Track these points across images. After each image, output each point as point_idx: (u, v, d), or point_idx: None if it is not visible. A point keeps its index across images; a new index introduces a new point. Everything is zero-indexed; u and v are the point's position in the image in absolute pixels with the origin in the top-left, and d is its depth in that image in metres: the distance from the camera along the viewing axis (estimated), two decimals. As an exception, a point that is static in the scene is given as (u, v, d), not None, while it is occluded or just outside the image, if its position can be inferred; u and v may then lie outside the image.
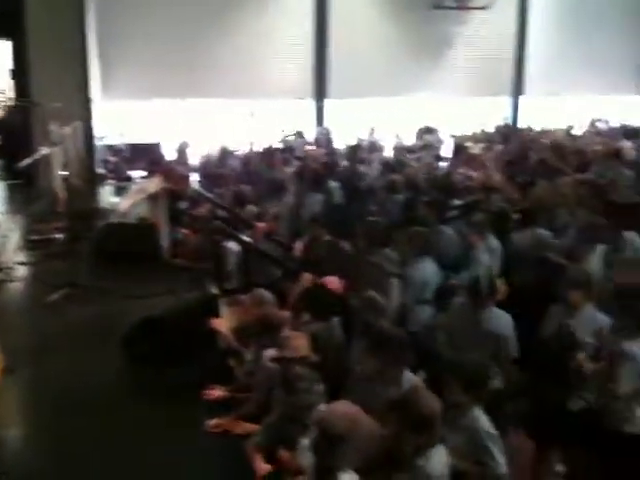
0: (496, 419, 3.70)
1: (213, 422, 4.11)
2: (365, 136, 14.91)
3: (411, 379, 3.97)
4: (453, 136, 15.51)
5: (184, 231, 7.30)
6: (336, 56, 17.18)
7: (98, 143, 12.68)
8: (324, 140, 14.53)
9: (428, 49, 18.17)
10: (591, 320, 4.73)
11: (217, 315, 5.27)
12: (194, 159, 12.52)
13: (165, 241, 6.82)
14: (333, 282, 5.20)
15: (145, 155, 12.97)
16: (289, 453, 3.62)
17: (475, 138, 15.19)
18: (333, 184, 8.34)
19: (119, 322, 5.27)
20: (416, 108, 17.83)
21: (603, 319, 4.69)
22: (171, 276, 6.40)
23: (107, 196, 10.70)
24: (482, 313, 4.86)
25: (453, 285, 5.30)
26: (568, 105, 19.06)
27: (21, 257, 7.27)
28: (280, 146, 13.05)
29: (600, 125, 17.28)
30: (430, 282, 5.72)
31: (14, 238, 7.65)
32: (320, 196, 7.77)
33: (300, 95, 17.28)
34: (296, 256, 6.44)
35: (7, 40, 11.79)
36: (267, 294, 4.81)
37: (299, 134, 14.90)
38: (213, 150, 12.35)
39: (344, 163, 11.27)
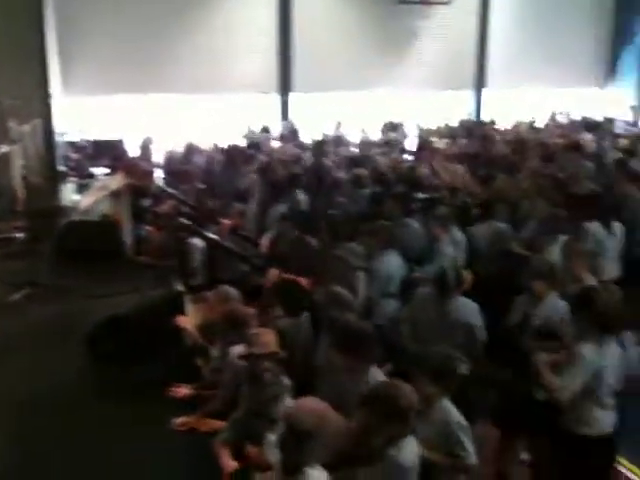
0: (463, 408, 3.74)
1: (179, 420, 4.09)
2: (331, 130, 14.90)
3: (376, 373, 3.99)
4: (418, 130, 15.61)
5: (148, 228, 7.21)
6: (300, 50, 17.15)
7: (59, 140, 12.46)
8: (290, 135, 14.48)
9: (392, 43, 18.24)
10: (554, 310, 4.80)
11: (182, 312, 5.23)
12: (158, 155, 12.37)
13: (128, 238, 6.73)
14: (300, 279, 5.20)
15: (108, 151, 12.79)
16: (257, 449, 3.62)
17: (439, 132, 15.31)
18: (299, 194, 8.24)
19: (82, 321, 5.19)
20: (381, 102, 17.91)
21: (566, 308, 4.76)
22: (135, 274, 6.31)
23: (69, 194, 10.51)
24: (449, 303, 4.91)
25: (418, 278, 5.33)
26: (530, 98, 19.33)
27: (-20, 257, 7.11)
28: (245, 142, 12.96)
29: (561, 118, 17.54)
30: (395, 275, 5.76)
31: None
32: (282, 207, 7.73)
33: (264, 89, 17.22)
34: (262, 252, 6.41)
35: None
36: (232, 290, 4.79)
37: (264, 129, 14.83)
38: (177, 146, 12.23)
39: (310, 157, 11.27)
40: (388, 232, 6.16)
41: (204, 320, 4.95)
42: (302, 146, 12.71)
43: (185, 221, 6.16)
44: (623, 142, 12.20)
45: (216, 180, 9.26)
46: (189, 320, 5.12)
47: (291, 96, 17.53)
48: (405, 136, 15.15)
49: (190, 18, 16.09)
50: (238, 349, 4.14)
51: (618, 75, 21.19)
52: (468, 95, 19.74)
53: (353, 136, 14.65)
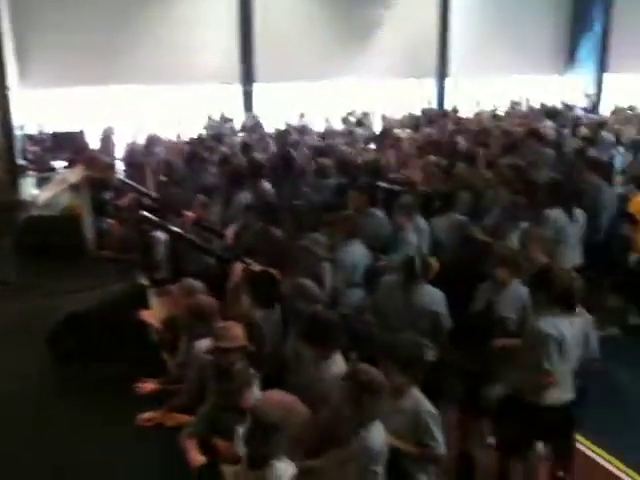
0: (428, 393, 3.77)
1: (145, 416, 4.05)
2: (294, 120, 14.85)
3: (340, 361, 4.00)
4: (381, 119, 15.65)
5: (109, 221, 7.11)
6: (262, 40, 17.07)
7: (17, 133, 12.20)
8: (253, 126, 14.39)
9: (355, 32, 18.26)
10: (517, 296, 4.87)
11: (146, 307, 5.17)
12: (119, 147, 12.20)
13: (89, 232, 6.63)
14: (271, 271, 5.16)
15: (68, 144, 12.58)
16: (226, 442, 3.60)
17: (402, 122, 15.36)
18: (264, 184, 8.19)
19: (43, 319, 5.09)
20: (344, 92, 17.91)
21: (526, 296, 4.84)
22: (98, 268, 6.24)
23: (28, 188, 10.32)
24: (415, 291, 4.93)
25: (382, 267, 5.34)
26: (491, 86, 19.52)
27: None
28: (207, 133, 12.85)
29: (521, 106, 17.74)
30: (359, 265, 5.76)
31: None
32: (244, 196, 7.69)
33: (227, 80, 17.09)
34: (227, 243, 6.36)
35: None
36: (197, 283, 4.75)
37: (226, 120, 14.72)
38: (139, 138, 12.06)
39: (274, 148, 11.23)
40: (352, 222, 6.16)
41: (169, 314, 4.90)
42: (265, 136, 12.62)
43: (147, 214, 6.07)
44: (583, 130, 12.38)
45: (178, 172, 9.14)
46: (153, 314, 5.07)
47: (254, 86, 17.43)
48: (368, 125, 15.16)
49: (151, 9, 15.90)
50: (204, 343, 4.11)
51: (577, 62, 21.52)
52: (431, 84, 19.86)
53: (317, 126, 14.63)
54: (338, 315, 4.26)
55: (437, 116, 16.13)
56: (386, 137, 12.10)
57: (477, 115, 15.93)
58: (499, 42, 19.52)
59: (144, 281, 5.80)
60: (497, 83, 19.79)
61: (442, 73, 19.79)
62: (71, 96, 15.27)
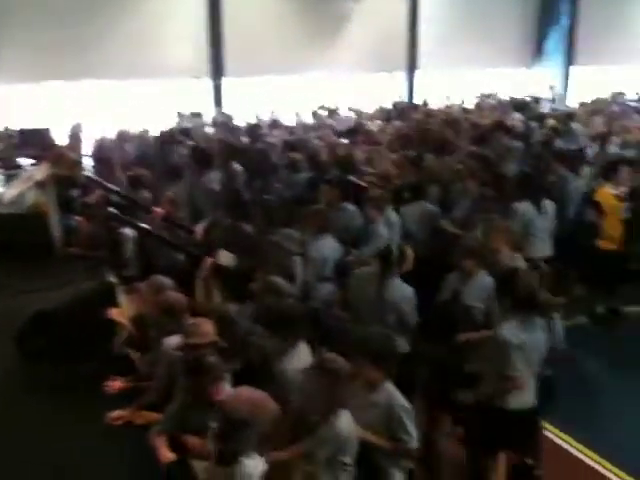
0: (402, 388, 3.79)
1: (113, 414, 4.02)
2: (265, 114, 14.80)
3: (306, 353, 4.01)
4: (352, 113, 15.65)
5: (77, 218, 7.03)
6: (231, 34, 16.96)
7: (-18, 130, 11.98)
8: (223, 121, 14.31)
9: (325, 26, 18.25)
10: (483, 286, 4.92)
11: (115, 304, 5.13)
12: (88, 143, 12.04)
13: (57, 230, 6.54)
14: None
15: (35, 141, 12.35)
16: (196, 439, 3.59)
17: (373, 115, 15.39)
18: (236, 166, 8.21)
19: (11, 318, 5.03)
20: (315, 86, 17.90)
21: (492, 286, 4.88)
22: (65, 266, 6.17)
23: (-6, 185, 10.14)
24: (387, 284, 4.95)
25: (352, 261, 5.36)
26: (461, 79, 19.64)
27: None
28: (176, 128, 12.74)
29: (489, 99, 17.87)
30: (330, 259, 5.77)
31: None
32: (214, 175, 7.68)
33: (196, 74, 16.97)
34: (197, 239, 6.33)
35: None
36: (166, 280, 4.71)
37: (196, 115, 14.62)
38: (107, 133, 11.92)
39: (245, 142, 11.18)
40: (323, 216, 6.17)
41: (138, 311, 4.86)
42: (236, 131, 12.56)
43: (115, 211, 6.01)
44: (550, 121, 12.51)
45: (147, 167, 9.06)
46: (122, 312, 5.03)
47: (224, 81, 17.34)
48: (340, 119, 15.16)
49: (120, 3, 15.71)
50: (173, 339, 4.09)
51: (544, 55, 21.74)
52: (401, 77, 19.92)
53: (288, 120, 14.60)
54: (302, 306, 4.27)
55: (408, 109, 16.19)
56: (358, 131, 12.12)
57: (447, 108, 16.03)
58: (468, 35, 19.63)
59: (113, 279, 5.75)
60: (466, 76, 19.91)
61: (412, 66, 19.86)
62: (39, 92, 15.04)
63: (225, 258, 5.30)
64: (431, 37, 19.59)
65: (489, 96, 18.09)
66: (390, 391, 3.69)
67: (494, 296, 4.65)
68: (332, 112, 15.39)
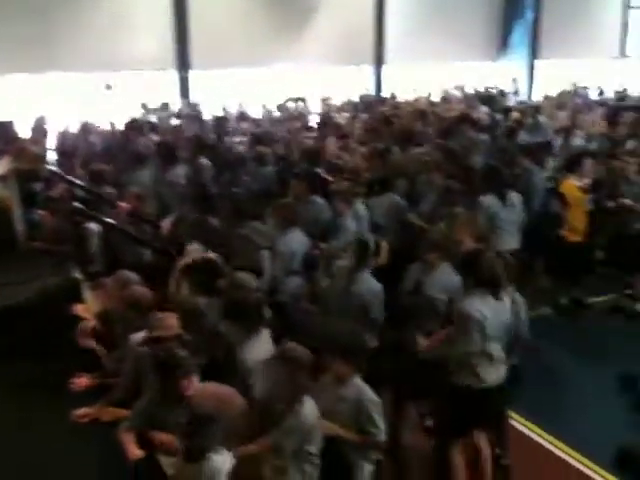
0: (371, 381, 3.81)
1: (80, 411, 3.97)
2: (233, 107, 14.70)
3: (268, 343, 4.01)
4: (320, 106, 15.64)
5: (41, 213, 6.90)
6: (198, 26, 16.81)
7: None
8: (189, 112, 14.18)
9: (292, 19, 18.17)
10: (445, 278, 4.97)
11: (80, 300, 5.06)
12: (51, 136, 11.83)
13: (20, 225, 6.42)
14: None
15: (-3, 134, 12.08)
16: (164, 434, 3.56)
17: (341, 108, 15.40)
18: (203, 161, 8.14)
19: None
20: (282, 78, 17.81)
21: (455, 278, 4.93)
22: (29, 261, 6.06)
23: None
24: (357, 278, 4.96)
25: (317, 255, 5.36)
26: (429, 72, 19.72)
27: None
28: (142, 120, 12.58)
29: (456, 92, 17.99)
30: (298, 252, 5.75)
31: None
32: (180, 170, 7.61)
33: (161, 66, 16.79)
34: (163, 234, 6.27)
35: None
36: (132, 275, 4.67)
37: (162, 107, 14.46)
38: (71, 126, 11.73)
39: (211, 135, 11.10)
40: (291, 210, 6.15)
41: (103, 307, 4.80)
42: (203, 124, 12.45)
43: (80, 205, 5.92)
44: (514, 114, 12.64)
45: (112, 161, 8.95)
46: (88, 308, 4.97)
47: (190, 73, 17.18)
48: (308, 111, 15.14)
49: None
50: (140, 335, 4.05)
51: (509, 49, 21.96)
52: (369, 70, 19.95)
53: (255, 113, 14.53)
54: (260, 295, 4.26)
55: (375, 102, 16.23)
56: (326, 124, 12.11)
57: (414, 101, 16.10)
58: (434, 29, 19.73)
59: (78, 274, 5.67)
60: (433, 69, 20.01)
61: (379, 60, 19.89)
62: (2, 85, 14.73)
63: (195, 253, 5.24)
64: (398, 31, 19.64)
65: (456, 89, 18.22)
66: (359, 385, 3.71)
67: (458, 288, 4.73)
68: (300, 105, 15.36)
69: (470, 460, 4.59)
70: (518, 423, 5.43)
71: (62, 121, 12.15)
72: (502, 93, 17.66)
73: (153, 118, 13.09)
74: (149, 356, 3.87)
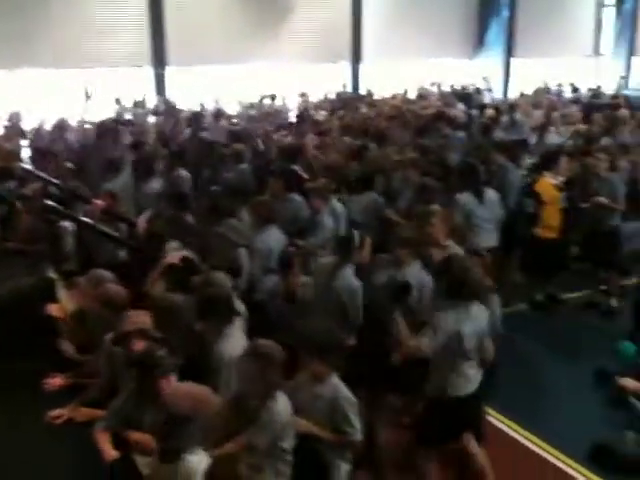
0: (348, 379, 3.80)
1: (54, 412, 3.93)
2: (209, 104, 14.64)
3: (242, 339, 4.01)
4: (298, 103, 15.63)
5: (14, 211, 6.79)
6: (174, 23, 16.71)
7: None
8: (166, 110, 14.09)
9: (269, 16, 18.13)
10: (416, 276, 4.99)
11: (54, 300, 5.00)
12: (27, 133, 11.68)
13: (-7, 224, 6.34)
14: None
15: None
16: (140, 434, 3.53)
17: (317, 105, 15.41)
18: (181, 172, 8.03)
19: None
20: (260, 75, 17.77)
21: (427, 277, 4.99)
22: (3, 261, 5.97)
23: None
24: (337, 274, 4.96)
25: (292, 252, 5.33)
26: (406, 70, 19.80)
27: None
28: (117, 118, 12.49)
29: (433, 89, 18.09)
30: (274, 250, 5.73)
31: None
32: (156, 183, 7.53)
33: (138, 62, 16.67)
34: (138, 232, 6.22)
35: None
36: (106, 273, 4.63)
37: (138, 103, 14.35)
38: (46, 123, 11.59)
39: (187, 132, 11.04)
40: (268, 207, 6.14)
41: (78, 306, 4.75)
42: (179, 121, 12.38)
43: (53, 203, 5.85)
44: (489, 112, 12.73)
45: (87, 158, 8.86)
46: (62, 307, 4.91)
47: (167, 70, 17.07)
48: (285, 109, 15.12)
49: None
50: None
51: (485, 47, 22.11)
52: (346, 67, 19.98)
53: (232, 110, 14.48)
54: (228, 289, 4.25)
55: (352, 99, 16.26)
56: (304, 121, 12.10)
57: (391, 99, 16.15)
58: (411, 26, 19.83)
59: (52, 274, 5.60)
60: (410, 67, 20.09)
61: (356, 57, 19.92)
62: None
63: (174, 251, 5.21)
64: (375, 28, 19.69)
65: (433, 86, 18.32)
66: (335, 384, 3.70)
67: (428, 285, 4.75)
68: (277, 102, 15.34)
69: (457, 466, 4.63)
70: (494, 419, 5.46)
71: (37, 118, 12.01)
72: (478, 91, 17.79)
73: (128, 115, 12.98)
74: (122, 355, 3.85)
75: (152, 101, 15.45)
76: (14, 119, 12.00)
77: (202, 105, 14.33)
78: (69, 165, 7.54)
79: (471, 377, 4.28)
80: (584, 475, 4.89)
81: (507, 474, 4.78)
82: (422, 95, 16.86)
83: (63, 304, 4.99)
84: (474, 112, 13.13)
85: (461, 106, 14.32)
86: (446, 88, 18.20)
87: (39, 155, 9.67)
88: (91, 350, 4.38)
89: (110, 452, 3.54)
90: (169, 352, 3.67)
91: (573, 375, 6.24)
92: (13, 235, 6.54)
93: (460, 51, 21.89)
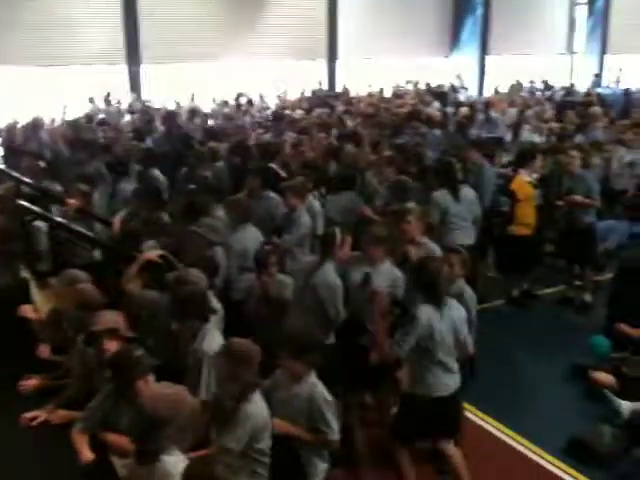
0: (326, 379, 3.80)
1: (29, 414, 3.88)
2: (185, 102, 14.56)
3: (218, 338, 4.00)
4: (276, 101, 15.61)
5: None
6: (148, 20, 16.60)
7: None
8: (141, 108, 13.99)
9: (246, 14, 18.09)
10: (388, 274, 5.01)
11: (28, 301, 4.93)
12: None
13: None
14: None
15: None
16: (117, 436, 3.50)
17: (294, 103, 15.40)
18: (154, 172, 7.97)
19: None
20: (236, 73, 17.72)
21: (399, 274, 5.02)
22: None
23: None
24: (317, 272, 4.95)
25: (268, 250, 5.30)
26: (383, 68, 19.87)
27: None
28: (90, 115, 12.37)
29: (408, 87, 18.16)
30: (250, 249, 5.70)
31: None
32: (130, 184, 7.47)
33: (113, 60, 16.53)
34: (113, 232, 6.16)
35: None
36: (80, 273, 4.57)
37: (111, 101, 14.24)
38: (19, 122, 11.44)
39: (161, 129, 10.97)
40: (245, 206, 6.11)
41: (52, 307, 4.69)
42: (154, 119, 12.29)
43: (26, 203, 5.77)
44: (463, 110, 12.79)
45: (61, 157, 8.76)
46: (36, 308, 4.85)
47: (141, 68, 16.96)
48: (262, 107, 15.09)
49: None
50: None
51: (461, 45, 22.25)
52: (323, 65, 20.00)
53: (207, 107, 14.43)
54: (203, 288, 4.23)
55: (328, 97, 16.27)
56: (281, 119, 12.08)
57: (368, 97, 16.18)
58: (388, 25, 19.89)
59: (26, 274, 5.53)
60: (387, 65, 20.15)
61: (333, 55, 19.94)
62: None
63: (151, 250, 5.16)
64: (351, 27, 19.72)
65: (408, 84, 18.39)
66: (312, 383, 3.69)
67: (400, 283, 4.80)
68: (253, 99, 15.30)
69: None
70: (470, 413, 5.50)
71: (10, 117, 11.85)
72: (454, 89, 17.89)
73: (101, 115, 12.87)
74: (95, 355, 3.81)
75: (127, 99, 15.32)
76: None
77: (177, 103, 14.24)
78: (42, 164, 7.43)
79: (448, 373, 4.30)
80: (560, 468, 4.94)
81: (484, 469, 4.82)
82: (398, 93, 16.91)
83: (38, 305, 4.92)
84: (450, 110, 13.18)
85: (437, 104, 14.38)
86: (422, 86, 18.27)
87: (12, 154, 9.55)
88: (67, 351, 4.34)
89: (87, 453, 3.51)
90: (145, 352, 3.65)
91: (549, 369, 6.31)
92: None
93: (436, 49, 22.01)
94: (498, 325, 6.90)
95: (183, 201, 6.50)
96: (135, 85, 16.89)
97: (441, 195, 6.72)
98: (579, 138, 10.01)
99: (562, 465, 4.97)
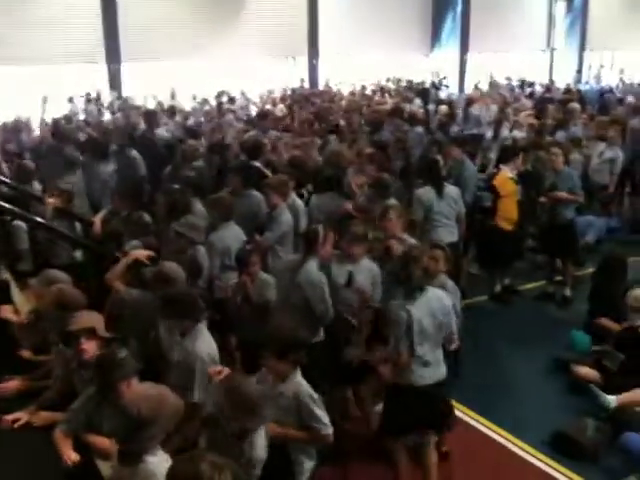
0: (312, 375, 3.80)
1: (10, 416, 3.83)
2: (164, 100, 14.47)
3: (208, 338, 3.99)
4: (259, 98, 15.58)
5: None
6: (128, 18, 16.49)
7: None
8: (120, 106, 13.88)
9: (226, 10, 18.03)
10: (369, 270, 5.04)
11: (8, 301, 4.88)
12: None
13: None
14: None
15: None
16: (101, 437, 3.47)
17: (276, 100, 15.37)
18: (133, 153, 7.96)
19: None
20: (216, 70, 17.66)
21: (377, 270, 5.06)
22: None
23: None
24: (301, 269, 4.94)
25: (250, 249, 5.28)
26: (364, 65, 19.90)
27: None
28: (71, 114, 12.26)
29: (390, 84, 18.19)
30: (232, 247, 5.68)
31: None
32: (111, 166, 7.44)
33: (92, 59, 16.41)
34: (94, 231, 6.11)
35: None
36: (60, 273, 4.54)
37: (91, 100, 14.13)
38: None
39: (142, 127, 10.88)
40: (226, 204, 6.07)
41: (33, 307, 4.65)
42: (133, 117, 12.18)
43: (4, 203, 5.70)
44: (443, 107, 12.81)
45: (41, 156, 8.66)
46: (16, 309, 4.80)
47: (121, 66, 16.85)
48: (245, 104, 15.04)
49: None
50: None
51: (441, 42, 22.34)
52: (305, 63, 20.01)
53: (187, 105, 14.36)
54: (192, 290, 4.21)
55: (309, 95, 16.25)
56: (265, 117, 12.02)
57: (350, 94, 16.19)
58: (369, 22, 19.94)
59: (6, 274, 5.46)
60: (368, 63, 20.19)
61: (314, 52, 19.94)
62: None
63: (134, 249, 5.13)
64: (332, 24, 19.73)
65: (389, 81, 18.42)
66: (297, 381, 3.66)
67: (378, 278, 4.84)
68: (235, 97, 15.25)
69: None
70: (455, 408, 5.51)
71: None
72: (435, 86, 17.94)
73: (82, 115, 12.77)
74: (74, 356, 3.79)
75: (107, 97, 15.21)
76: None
77: (157, 101, 14.15)
78: (23, 164, 7.35)
79: (432, 363, 4.31)
80: (544, 462, 4.98)
81: (466, 462, 4.84)
82: (379, 90, 16.92)
83: (18, 305, 4.87)
84: (431, 107, 13.21)
85: (418, 101, 14.41)
86: (403, 83, 18.31)
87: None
88: (47, 352, 4.30)
89: (70, 455, 3.48)
90: (129, 353, 3.62)
91: (532, 364, 6.35)
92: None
93: (416, 47, 22.07)
94: (481, 321, 6.93)
95: (165, 200, 6.47)
96: (115, 83, 16.77)
97: (425, 192, 6.74)
98: (559, 135, 10.07)
99: (546, 458, 5.00)
